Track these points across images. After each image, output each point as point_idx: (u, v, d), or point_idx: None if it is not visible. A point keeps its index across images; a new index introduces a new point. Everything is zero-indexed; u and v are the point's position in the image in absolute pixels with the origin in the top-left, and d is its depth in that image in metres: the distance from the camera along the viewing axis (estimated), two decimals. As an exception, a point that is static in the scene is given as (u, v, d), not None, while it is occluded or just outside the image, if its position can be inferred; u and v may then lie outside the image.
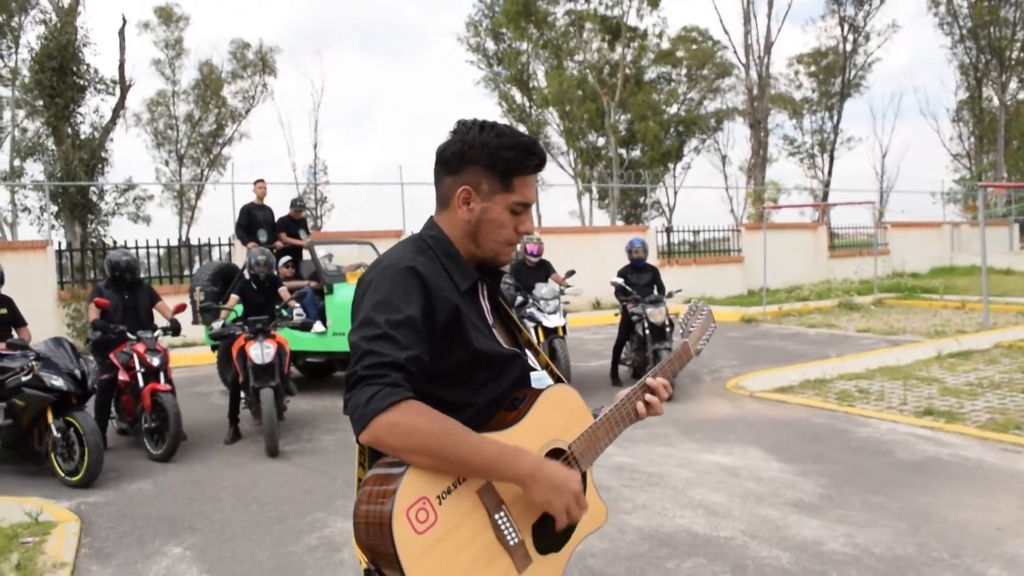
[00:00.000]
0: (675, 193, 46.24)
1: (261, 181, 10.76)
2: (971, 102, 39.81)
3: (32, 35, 22.03)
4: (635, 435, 6.95)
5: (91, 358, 6.87)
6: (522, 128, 44.88)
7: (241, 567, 4.32)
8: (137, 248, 14.35)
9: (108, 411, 7.22)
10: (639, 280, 9.39)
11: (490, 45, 45.21)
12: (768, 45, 29.13)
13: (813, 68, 43.46)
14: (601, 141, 41.01)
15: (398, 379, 1.48)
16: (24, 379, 6.09)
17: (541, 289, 8.92)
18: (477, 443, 1.51)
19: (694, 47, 43.54)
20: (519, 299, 9.07)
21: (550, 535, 1.65)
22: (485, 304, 1.80)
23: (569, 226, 22.40)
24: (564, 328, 8.86)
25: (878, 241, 24.70)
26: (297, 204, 10.76)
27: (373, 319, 1.55)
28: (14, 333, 6.72)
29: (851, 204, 26.31)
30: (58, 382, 6.05)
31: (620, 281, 9.24)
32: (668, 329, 8.74)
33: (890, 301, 18.48)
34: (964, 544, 4.24)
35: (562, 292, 9.10)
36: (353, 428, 1.50)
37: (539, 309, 8.81)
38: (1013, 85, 38.63)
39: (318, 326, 9.20)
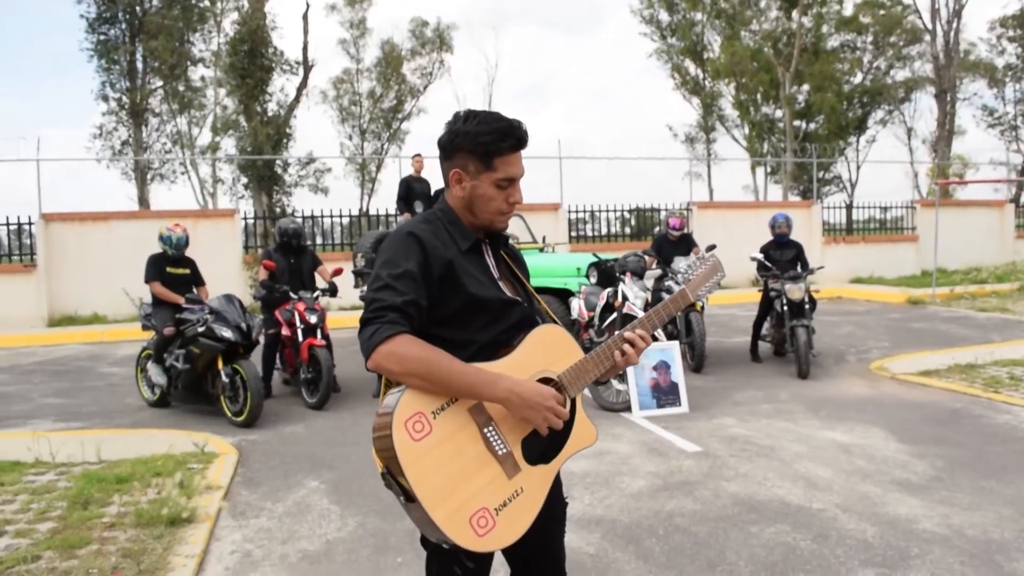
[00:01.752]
0: (858, 168, 44.01)
1: (419, 155, 11.41)
2: None
3: (228, 20, 23.93)
4: (759, 409, 7.04)
5: (257, 314, 7.70)
6: (695, 100, 44.18)
7: (364, 501, 4.86)
8: (321, 217, 15.52)
9: (273, 362, 8.07)
10: (782, 256, 9.31)
11: (664, 16, 44.55)
12: (958, 8, 27.10)
13: (1018, 31, 39.95)
14: (776, 113, 39.61)
15: (395, 318, 1.86)
16: (200, 330, 6.96)
17: (680, 263, 9.03)
18: (460, 369, 1.85)
19: (881, 12, 41.08)
20: (658, 272, 9.24)
21: (540, 448, 1.98)
22: (490, 260, 2.12)
23: (729, 200, 21.97)
24: (703, 303, 8.94)
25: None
26: (451, 178, 11.34)
27: (379, 274, 1.94)
28: (194, 290, 7.62)
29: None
30: (227, 333, 6.86)
31: (760, 257, 9.19)
32: (807, 306, 8.63)
33: (1081, 286, 17.06)
34: (1068, 532, 4.14)
35: (701, 267, 9.16)
36: (364, 359, 1.88)
37: (677, 283, 8.93)
38: None
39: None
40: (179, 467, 5.40)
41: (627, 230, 20.40)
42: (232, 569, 3.95)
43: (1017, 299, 15.39)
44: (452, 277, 1.99)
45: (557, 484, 2.27)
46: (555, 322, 2.19)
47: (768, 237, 9.66)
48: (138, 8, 23.73)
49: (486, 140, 2.02)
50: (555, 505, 2.26)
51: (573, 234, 18.88)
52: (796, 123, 38.88)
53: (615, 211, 18.81)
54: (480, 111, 2.06)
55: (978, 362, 8.75)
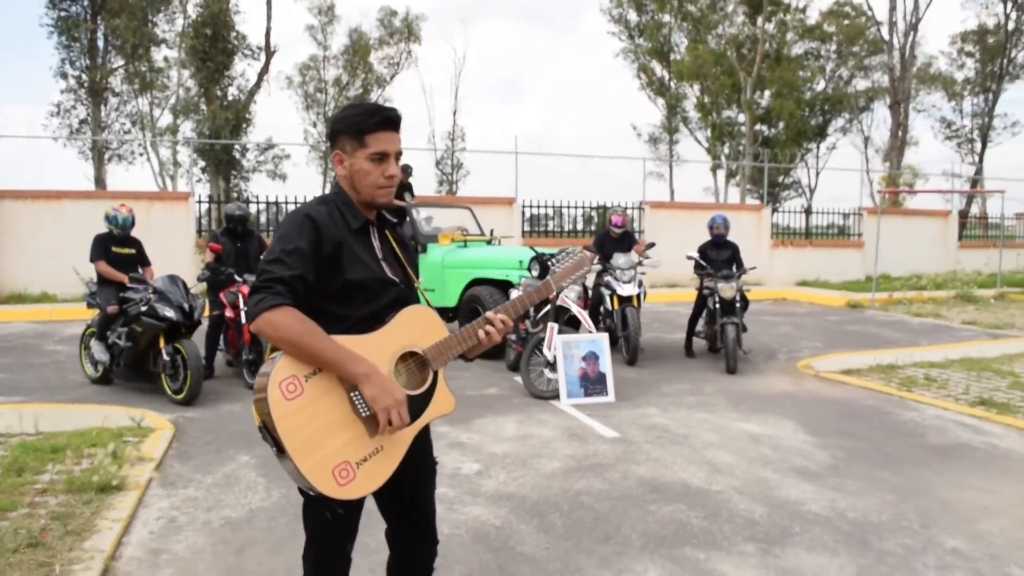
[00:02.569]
0: (817, 174, 44.83)
1: (394, 109, 11.61)
2: None
3: (192, 3, 23.83)
4: (683, 400, 7.37)
5: (201, 296, 7.87)
6: (660, 101, 44.64)
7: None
8: (284, 204, 15.63)
9: (216, 343, 8.24)
10: (718, 256, 9.65)
11: (632, 16, 44.97)
12: (914, 23, 27.82)
13: (974, 47, 40.95)
14: (739, 117, 40.26)
15: (281, 290, 2.10)
16: (143, 309, 7.12)
17: (619, 259, 9.33)
18: (327, 344, 2.09)
19: (845, 22, 41.86)
20: (599, 267, 9.55)
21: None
22: (376, 242, 2.37)
23: (680, 201, 22.37)
24: (639, 297, 9.25)
25: (1018, 234, 23.55)
26: (407, 169, 11.55)
27: (273, 248, 2.19)
28: (140, 270, 7.76)
29: (978, 192, 24.90)
30: (169, 313, 7.02)
31: (696, 256, 9.54)
32: (739, 304, 8.98)
33: (1014, 296, 17.74)
34: (939, 518, 4.49)
35: (640, 263, 9.49)
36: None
37: (615, 278, 9.24)
38: None
39: (411, 282, 9.97)
40: (114, 439, 5.58)
41: (592, 227, 20.73)
42: (156, 533, 4.16)
43: (952, 306, 15.98)
44: (339, 257, 2.23)
45: (427, 446, 2.53)
46: (427, 304, 2.43)
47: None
48: (101, -15, 23.56)
49: (357, 120, 2.28)
50: (425, 465, 2.52)
51: (539, 229, 19.19)
52: (758, 127, 39.56)
53: (569, 207, 19.13)
54: (355, 103, 2.32)
55: (898, 363, 9.17)
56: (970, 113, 41.93)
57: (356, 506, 2.30)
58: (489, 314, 2.41)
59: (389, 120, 2.30)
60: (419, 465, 2.48)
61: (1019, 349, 10.21)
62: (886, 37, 29.25)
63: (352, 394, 2.14)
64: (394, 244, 2.46)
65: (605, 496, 4.76)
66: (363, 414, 2.15)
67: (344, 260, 2.24)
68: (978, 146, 41.29)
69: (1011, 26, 36.93)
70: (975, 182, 36.39)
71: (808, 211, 23.63)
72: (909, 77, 29.03)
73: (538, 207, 18.33)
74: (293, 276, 2.14)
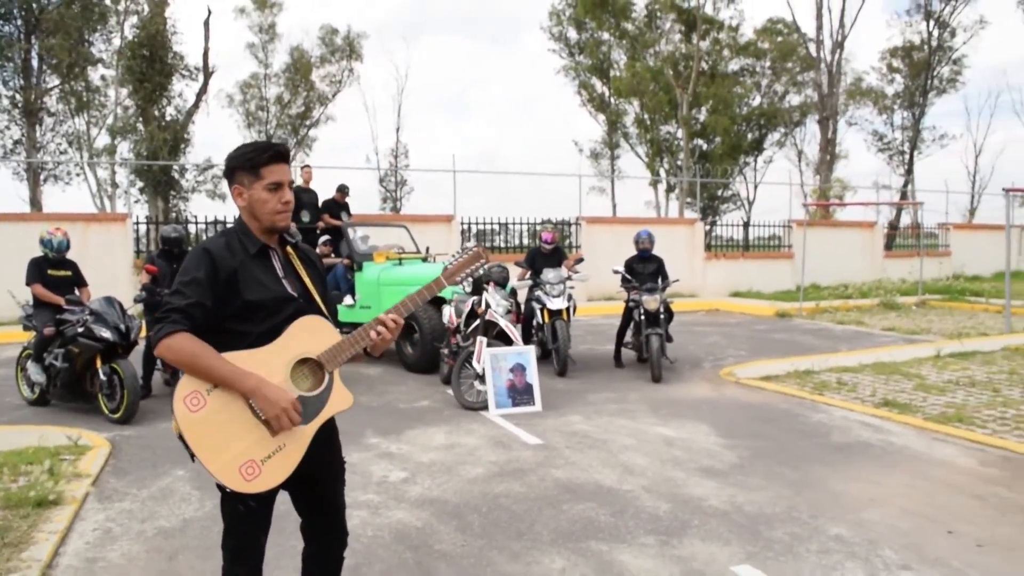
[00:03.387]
0: (755, 187, 46.00)
1: (307, 166, 11.87)
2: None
3: (128, 24, 23.73)
4: (607, 408, 7.73)
5: (138, 317, 8.02)
6: (601, 117, 45.41)
7: (223, 487, 5.30)
8: (217, 223, 15.70)
9: (154, 363, 8.39)
10: (644, 269, 10.07)
11: (572, 34, 45.75)
12: (840, 41, 28.91)
13: (901, 63, 42.53)
14: (679, 132, 41.19)
15: (178, 319, 2.40)
16: (79, 330, 7.26)
17: (548, 274, 9.70)
18: (219, 364, 2.40)
19: (779, 39, 43.14)
20: (529, 282, 9.90)
21: (301, 412, 2.51)
22: (277, 263, 2.66)
23: (616, 216, 22.90)
24: (569, 311, 9.62)
25: (940, 243, 24.53)
26: (343, 189, 11.81)
27: (176, 281, 2.47)
28: (76, 292, 7.88)
29: (898, 204, 25.96)
30: (106, 334, 7.18)
31: (622, 270, 9.95)
32: (663, 316, 9.40)
33: (934, 303, 18.55)
34: (828, 509, 4.89)
35: (569, 278, 9.86)
36: None
37: (545, 292, 9.60)
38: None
39: (347, 299, 10.22)
40: (51, 457, 5.73)
41: (537, 241, 21.07)
42: (92, 543, 4.36)
43: (875, 313, 16.68)
44: (236, 282, 2.52)
45: (336, 447, 2.82)
46: (324, 315, 2.71)
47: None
48: (35, 4, 23.35)
49: (252, 156, 2.58)
50: (334, 464, 2.81)
51: (488, 245, 19.49)
52: (696, 142, 40.53)
53: (511, 223, 19.48)
54: (246, 142, 2.62)
55: (815, 368, 9.67)
56: (900, 126, 43.59)
57: (267, 500, 2.58)
58: (381, 315, 2.70)
59: (280, 154, 2.61)
60: (329, 464, 2.77)
61: (929, 353, 10.80)
62: (814, 54, 30.25)
63: (251, 401, 2.43)
64: (297, 263, 2.74)
65: (522, 498, 5.07)
66: (263, 417, 2.44)
67: (241, 284, 2.52)
68: (908, 158, 42.92)
69: (934, 43, 38.54)
70: (903, 194, 37.75)
71: (747, 224, 24.47)
72: (836, 93, 30.09)
73: (478, 224, 18.67)
74: (190, 304, 2.43)
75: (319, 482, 2.74)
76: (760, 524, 4.62)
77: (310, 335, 2.59)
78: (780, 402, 8.05)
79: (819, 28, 29.33)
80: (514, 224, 19.15)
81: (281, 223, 2.63)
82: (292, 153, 44.80)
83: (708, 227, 29.72)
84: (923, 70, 39.62)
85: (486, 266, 3.02)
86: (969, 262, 24.31)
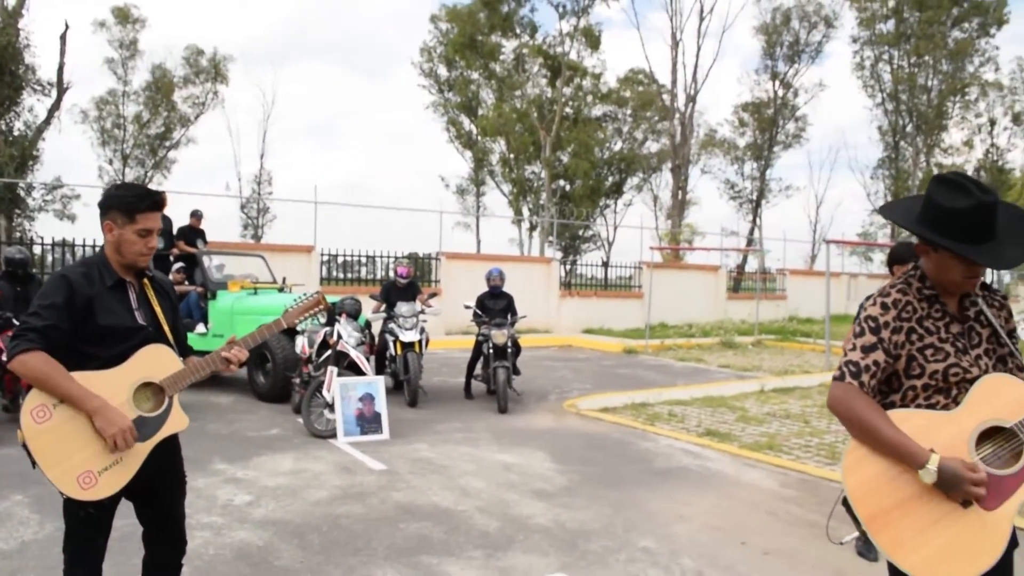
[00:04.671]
0: (615, 229, 47.85)
1: (163, 193, 11.76)
2: (888, 161, 42.12)
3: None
4: (452, 437, 8.09)
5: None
6: (468, 154, 46.27)
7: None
8: (65, 245, 15.19)
9: (-8, 387, 8.16)
10: (495, 305, 10.56)
11: (443, 71, 46.53)
12: (692, 95, 30.81)
13: (750, 117, 45.50)
14: (542, 173, 42.52)
15: (34, 338, 2.63)
16: (-89, 354, 7.04)
17: (402, 307, 10.03)
18: (67, 383, 2.64)
19: (640, 88, 45.31)
20: (384, 315, 10.21)
21: (140, 430, 2.76)
22: (132, 295, 2.91)
23: (473, 253, 23.47)
24: (421, 344, 9.96)
25: (778, 287, 26.31)
26: (197, 214, 11.78)
27: (34, 303, 2.70)
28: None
29: (737, 250, 27.81)
30: (-60, 358, 7.00)
31: (472, 305, 10.41)
32: (510, 350, 9.89)
33: (769, 342, 19.97)
34: (641, 525, 5.42)
35: (422, 311, 10.23)
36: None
37: (399, 325, 9.92)
38: (925, 147, 40.98)
39: (200, 327, 10.21)
40: None
41: (393, 275, 21.29)
42: (-80, 566, 4.35)
43: (714, 351, 17.82)
44: (92, 309, 2.77)
45: (177, 462, 3.07)
46: (171, 344, 2.98)
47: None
48: None
49: (131, 200, 2.85)
50: (174, 477, 3.07)
51: (338, 277, 19.55)
52: (560, 183, 41.91)
53: (372, 256, 19.68)
54: (127, 183, 2.89)
55: (650, 401, 10.38)
56: (749, 176, 46.54)
57: (106, 507, 2.81)
58: (224, 351, 2.99)
59: (157, 204, 2.89)
60: (169, 477, 3.02)
61: (755, 388, 11.74)
62: (668, 106, 32.08)
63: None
64: (151, 294, 3.00)
65: (362, 518, 5.36)
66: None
67: (96, 311, 2.77)
68: (760, 206, 45.84)
69: (779, 102, 41.51)
70: (750, 240, 40.23)
71: (606, 264, 25.59)
72: (689, 143, 31.94)
73: (340, 255, 18.78)
74: (46, 326, 2.68)
75: (159, 494, 2.99)
76: (579, 538, 5.08)
77: (155, 362, 2.86)
78: (614, 431, 8.63)
79: (674, 82, 31.12)
80: (380, 257, 19.40)
81: (142, 263, 2.91)
82: (150, 175, 43.42)
83: (569, 266, 30.87)
84: (770, 126, 42.58)
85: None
86: (803, 305, 26.20)
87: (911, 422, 2.26)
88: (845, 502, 2.38)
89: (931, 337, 2.35)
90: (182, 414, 2.95)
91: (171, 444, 2.98)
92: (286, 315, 3.23)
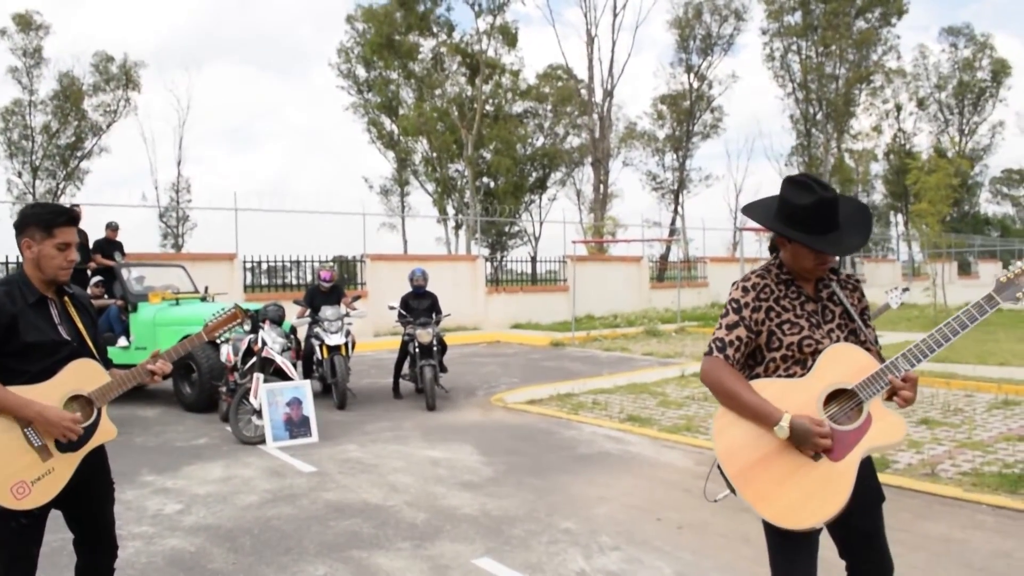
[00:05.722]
0: (540, 224, 48.36)
1: (77, 206, 11.58)
2: (801, 149, 43.57)
3: None
4: (381, 436, 8.25)
5: None
6: (391, 154, 46.18)
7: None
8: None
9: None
10: (419, 305, 10.72)
11: (361, 72, 46.32)
12: (609, 89, 31.37)
13: (668, 109, 46.51)
14: (467, 171, 42.72)
15: None
16: None
17: (326, 311, 10.13)
18: (2, 395, 2.74)
19: (559, 84, 45.84)
20: (308, 320, 10.28)
21: (71, 441, 2.89)
22: (54, 311, 3.03)
23: (398, 253, 23.60)
24: (347, 347, 10.07)
25: (699, 275, 27.03)
26: (113, 225, 11.65)
27: None
28: None
29: (655, 240, 28.55)
30: None
31: (396, 305, 10.57)
32: (436, 348, 10.08)
33: (691, 329, 20.56)
34: (563, 508, 5.68)
35: (347, 314, 10.34)
36: None
37: (324, 329, 10.02)
38: (836, 133, 42.53)
39: (122, 340, 10.13)
40: None
41: (316, 280, 21.22)
42: None
43: (639, 340, 18.29)
44: (14, 327, 2.88)
45: (105, 469, 3.19)
46: (95, 358, 3.10)
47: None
48: None
49: (47, 217, 2.97)
50: (102, 484, 3.18)
51: (260, 284, 19.42)
52: (484, 180, 42.17)
53: (297, 261, 19.60)
54: (42, 202, 3.02)
55: (575, 391, 10.68)
56: (670, 167, 47.59)
57: (38, 517, 2.92)
58: (149, 364, 3.12)
59: (73, 219, 3.01)
60: (98, 485, 3.14)
61: (675, 373, 12.16)
62: (587, 100, 32.60)
63: (26, 429, 2.80)
64: (72, 311, 3.11)
65: (293, 519, 5.50)
66: (36, 444, 2.81)
67: (21, 328, 2.88)
68: (680, 196, 46.90)
69: (694, 94, 42.54)
70: (672, 230, 41.13)
71: (534, 259, 26.00)
72: (607, 137, 32.51)
73: (263, 262, 18.68)
74: None
75: (90, 501, 3.10)
76: (503, 525, 5.32)
77: (82, 375, 2.98)
78: (540, 422, 8.90)
79: (591, 78, 31.66)
80: (305, 261, 19.33)
81: (63, 277, 3.02)
82: (61, 187, 42.16)
83: (497, 262, 31.17)
84: (687, 117, 43.61)
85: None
86: (724, 291, 26.74)
87: (769, 389, 2.57)
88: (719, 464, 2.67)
89: (787, 314, 2.66)
90: (110, 424, 3.08)
91: (99, 453, 3.11)
92: (206, 329, 3.38)
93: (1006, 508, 5.55)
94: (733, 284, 2.82)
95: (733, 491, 2.61)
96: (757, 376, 2.70)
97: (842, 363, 2.53)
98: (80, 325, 3.11)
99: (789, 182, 2.66)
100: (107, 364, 3.18)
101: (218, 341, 9.20)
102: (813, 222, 2.56)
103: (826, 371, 2.53)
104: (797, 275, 2.73)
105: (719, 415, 2.66)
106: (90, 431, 2.97)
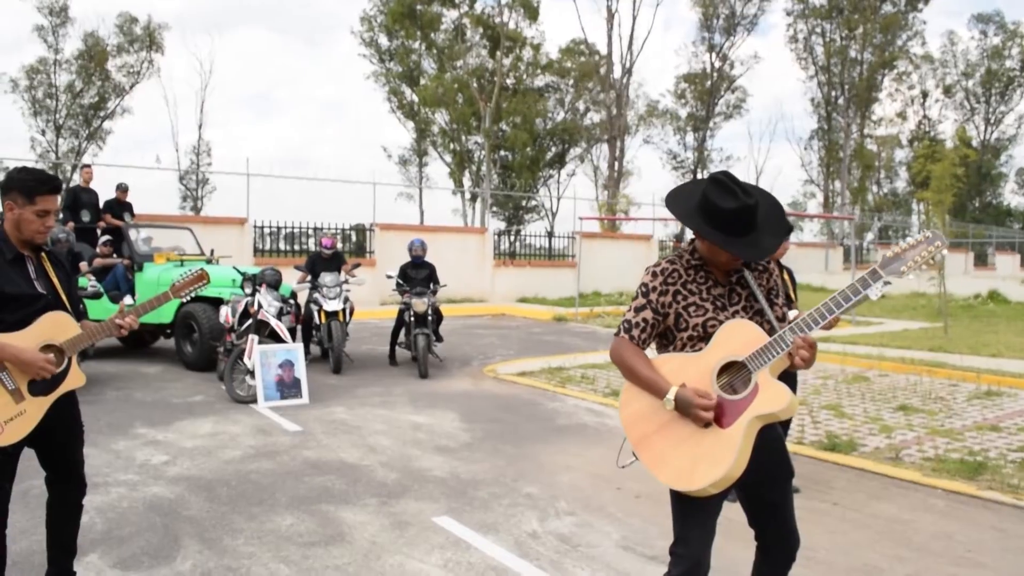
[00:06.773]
0: (558, 199, 48.39)
1: (88, 167, 11.93)
2: (821, 133, 43.29)
3: None
4: (370, 400, 8.52)
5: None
6: (410, 124, 46.23)
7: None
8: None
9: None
10: (417, 275, 10.96)
11: (383, 41, 46.31)
12: (628, 66, 31.30)
13: (690, 88, 46.28)
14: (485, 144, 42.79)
15: None
16: None
17: (326, 278, 10.39)
18: None
19: (581, 59, 45.68)
20: (308, 285, 10.56)
21: (43, 386, 3.16)
22: (31, 266, 3.27)
23: (407, 224, 23.72)
24: (345, 312, 10.35)
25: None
26: (123, 187, 11.95)
27: None
28: None
29: (655, 220, 28.50)
30: None
31: (394, 275, 10.82)
32: (431, 317, 10.33)
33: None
34: (530, 474, 5.93)
35: (346, 281, 10.60)
36: None
37: (323, 295, 10.29)
38: (858, 118, 42.20)
39: (128, 299, 10.45)
40: None
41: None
42: None
43: (641, 318, 18.44)
44: None
45: (76, 414, 3.45)
46: (68, 311, 3.35)
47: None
48: None
49: (31, 184, 3.20)
50: (73, 427, 3.46)
51: (272, 248, 19.73)
52: (502, 153, 42.23)
53: (310, 228, 19.87)
54: (29, 168, 3.24)
55: (566, 365, 10.92)
56: (691, 147, 47.43)
57: (11, 454, 3.19)
58: (117, 318, 3.37)
59: (55, 188, 3.24)
60: (68, 427, 3.41)
61: (669, 353, 12.35)
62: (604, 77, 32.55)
63: (1, 373, 3.05)
64: (48, 267, 3.36)
65: (271, 473, 5.79)
66: (10, 387, 3.07)
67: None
68: (699, 176, 46.74)
69: (715, 74, 42.29)
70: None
71: (551, 235, 26.13)
72: (624, 115, 32.47)
73: (273, 227, 18.96)
74: None
75: (60, 442, 3.38)
76: (469, 487, 5.57)
77: (55, 326, 3.23)
78: (526, 393, 9.15)
79: (609, 54, 31.56)
80: (317, 228, 19.60)
81: (39, 240, 3.26)
82: (84, 146, 42.64)
83: (514, 236, 31.31)
84: (708, 97, 43.40)
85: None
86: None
87: (669, 364, 2.78)
88: None
89: (693, 297, 2.85)
90: (79, 372, 3.34)
91: (69, 398, 3.37)
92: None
93: (960, 493, 5.72)
94: (646, 269, 3.00)
95: (635, 456, 2.83)
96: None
97: (735, 338, 2.72)
98: (55, 280, 3.36)
99: (714, 182, 2.78)
100: (79, 316, 3.43)
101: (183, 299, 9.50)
102: (732, 225, 2.71)
103: (720, 346, 2.73)
104: (709, 262, 2.90)
105: (624, 389, 2.87)
106: (60, 377, 3.23)
